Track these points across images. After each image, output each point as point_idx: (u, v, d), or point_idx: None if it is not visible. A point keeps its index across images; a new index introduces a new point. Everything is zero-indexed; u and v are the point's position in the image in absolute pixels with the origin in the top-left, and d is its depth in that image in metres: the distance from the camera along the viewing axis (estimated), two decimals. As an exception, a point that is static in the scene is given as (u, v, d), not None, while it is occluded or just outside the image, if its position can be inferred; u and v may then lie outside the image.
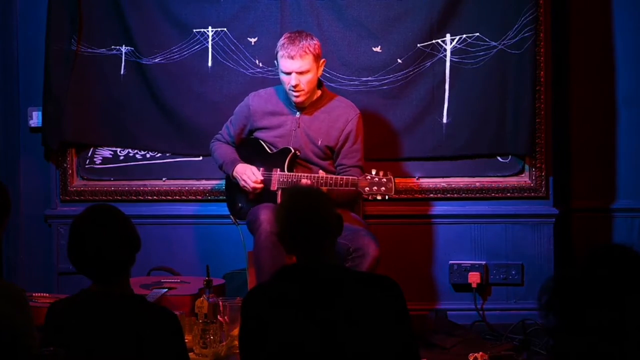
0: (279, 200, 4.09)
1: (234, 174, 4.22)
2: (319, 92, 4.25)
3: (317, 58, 4.15)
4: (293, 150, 4.17)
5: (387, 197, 3.96)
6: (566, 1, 4.78)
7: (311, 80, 4.15)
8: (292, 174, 4.13)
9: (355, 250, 3.96)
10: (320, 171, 4.11)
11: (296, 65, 4.11)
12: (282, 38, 4.19)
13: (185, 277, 4.56)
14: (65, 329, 2.66)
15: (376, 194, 3.95)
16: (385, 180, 3.94)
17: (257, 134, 4.29)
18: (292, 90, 4.14)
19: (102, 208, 2.78)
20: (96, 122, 4.81)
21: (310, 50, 4.12)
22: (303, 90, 4.14)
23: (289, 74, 4.13)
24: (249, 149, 4.30)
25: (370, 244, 3.98)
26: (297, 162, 4.20)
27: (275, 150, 4.22)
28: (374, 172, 3.96)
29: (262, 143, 4.27)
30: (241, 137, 4.33)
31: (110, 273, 2.67)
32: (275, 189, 4.13)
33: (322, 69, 4.22)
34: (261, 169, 4.19)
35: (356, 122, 4.23)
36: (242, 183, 4.19)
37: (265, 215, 4.01)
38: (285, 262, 3.90)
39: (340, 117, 4.22)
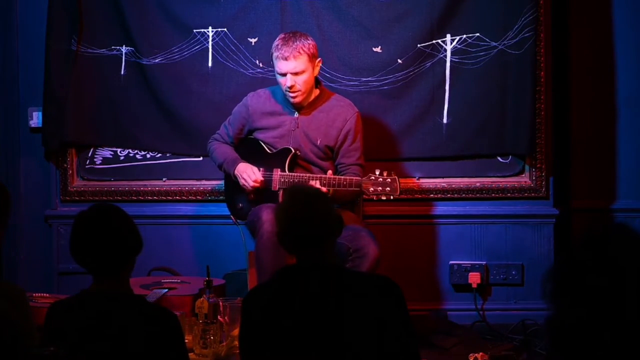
0: (280, 200, 4.09)
1: (235, 172, 4.20)
2: (317, 91, 4.23)
3: (312, 58, 4.12)
4: (293, 151, 4.16)
5: (392, 197, 3.93)
6: (566, 1, 4.78)
7: (307, 80, 4.13)
8: (293, 174, 4.11)
9: (355, 250, 3.95)
10: (329, 172, 4.08)
11: (290, 66, 4.09)
12: (277, 39, 4.17)
13: (186, 277, 4.56)
14: (65, 329, 2.67)
15: (381, 194, 3.92)
16: (389, 180, 3.91)
17: (256, 134, 4.28)
18: (289, 91, 4.12)
19: (106, 206, 2.80)
20: (96, 122, 4.81)
21: (304, 50, 4.10)
22: (299, 90, 4.12)
23: (284, 75, 4.11)
24: (248, 148, 4.29)
25: (370, 244, 3.97)
26: (297, 163, 4.19)
27: (274, 151, 4.21)
28: (377, 172, 3.94)
29: (262, 143, 4.26)
30: (240, 137, 4.33)
31: (109, 271, 2.67)
32: (277, 189, 4.12)
33: (318, 68, 4.19)
34: (261, 169, 4.18)
35: (355, 120, 4.20)
36: (241, 182, 4.17)
37: (267, 215, 3.99)
38: (286, 263, 3.92)
39: (339, 116, 4.20)
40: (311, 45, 4.14)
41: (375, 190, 3.91)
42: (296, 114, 4.21)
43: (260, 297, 2.69)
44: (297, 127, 4.20)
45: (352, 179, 3.99)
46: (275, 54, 4.12)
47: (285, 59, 4.08)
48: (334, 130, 4.18)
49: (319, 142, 4.17)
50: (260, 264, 4.00)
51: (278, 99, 4.25)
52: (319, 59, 4.20)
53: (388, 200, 3.96)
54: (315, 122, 4.20)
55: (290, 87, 4.10)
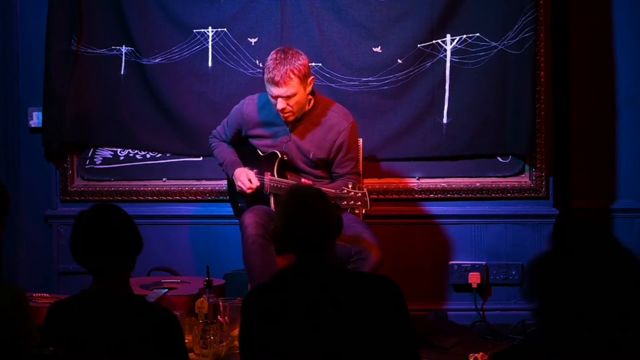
0: (272, 204, 4.10)
1: (232, 176, 4.21)
2: (311, 101, 4.16)
3: (303, 79, 4.03)
4: (280, 156, 4.14)
5: (364, 211, 3.88)
6: (566, 1, 4.78)
7: (299, 101, 4.06)
8: (282, 180, 4.10)
9: (357, 252, 3.94)
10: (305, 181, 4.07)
11: (281, 91, 4.01)
12: (269, 58, 4.06)
13: (186, 278, 4.56)
14: (65, 329, 2.67)
15: (354, 207, 3.88)
16: (360, 194, 3.84)
17: (250, 140, 4.26)
18: (281, 113, 4.08)
19: (107, 206, 2.80)
20: (96, 122, 4.81)
21: (295, 74, 4.00)
22: (291, 111, 4.07)
23: (275, 98, 4.06)
24: (245, 149, 4.29)
25: (373, 247, 3.96)
26: (287, 167, 4.16)
27: (264, 154, 4.21)
28: (350, 185, 3.87)
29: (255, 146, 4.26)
30: (238, 138, 4.31)
31: (109, 271, 2.68)
32: (268, 192, 4.12)
33: (311, 86, 4.10)
34: (255, 170, 4.18)
35: (348, 132, 4.13)
36: (237, 188, 4.19)
37: (249, 219, 4.00)
38: (275, 263, 3.93)
39: (332, 129, 4.13)
40: (303, 66, 4.03)
41: (348, 204, 3.86)
42: (290, 125, 4.18)
43: (260, 298, 2.69)
44: (290, 140, 4.17)
45: (329, 192, 3.92)
46: (266, 76, 4.04)
47: (276, 84, 4.00)
48: (327, 142, 4.13)
49: (311, 155, 4.14)
50: (249, 267, 4.01)
51: (273, 107, 4.15)
52: (312, 77, 4.12)
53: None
54: (309, 135, 4.15)
55: (282, 110, 4.05)
